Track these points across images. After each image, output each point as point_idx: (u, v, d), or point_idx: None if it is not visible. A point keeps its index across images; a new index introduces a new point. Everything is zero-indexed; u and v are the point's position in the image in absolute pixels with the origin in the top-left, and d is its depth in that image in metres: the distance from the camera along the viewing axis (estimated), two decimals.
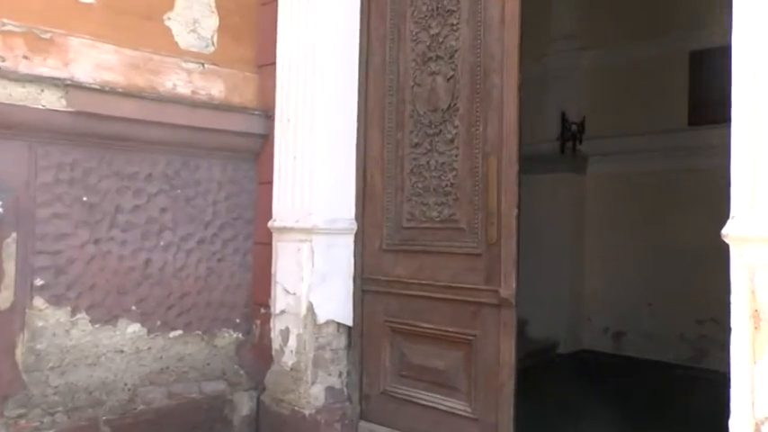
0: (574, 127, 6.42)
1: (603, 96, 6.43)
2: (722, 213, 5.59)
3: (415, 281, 3.57)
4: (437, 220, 3.50)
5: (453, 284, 3.39)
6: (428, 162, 3.55)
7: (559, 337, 6.36)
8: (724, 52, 6.01)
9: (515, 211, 3.15)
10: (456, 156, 3.42)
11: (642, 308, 6.11)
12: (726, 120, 5.73)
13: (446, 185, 3.46)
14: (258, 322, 4.16)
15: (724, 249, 5.54)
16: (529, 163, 6.53)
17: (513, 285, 3.13)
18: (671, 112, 5.99)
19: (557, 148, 6.46)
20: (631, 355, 6.19)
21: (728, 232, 2.36)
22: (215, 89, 4.04)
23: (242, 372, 4.14)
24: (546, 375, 5.81)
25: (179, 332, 3.93)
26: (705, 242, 5.93)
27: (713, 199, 5.86)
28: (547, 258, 6.29)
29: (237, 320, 4.19)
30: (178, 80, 3.88)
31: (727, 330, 2.63)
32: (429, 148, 3.55)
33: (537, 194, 6.36)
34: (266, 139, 4.13)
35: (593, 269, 6.47)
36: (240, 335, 4.20)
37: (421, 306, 3.54)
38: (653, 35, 6.15)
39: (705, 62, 5.90)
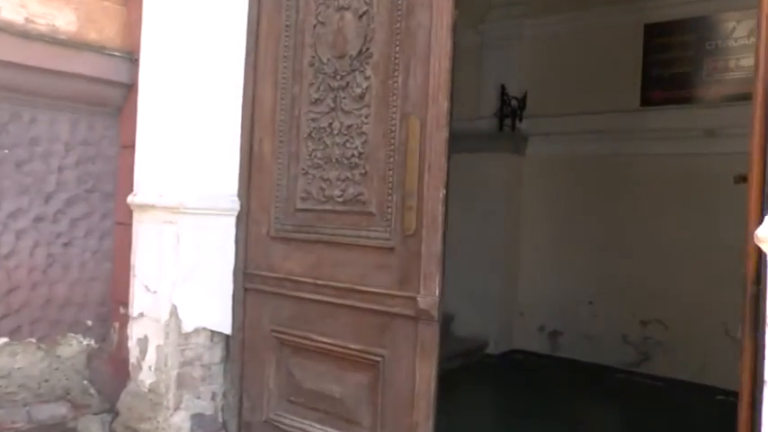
0: (514, 102, 5.57)
1: (547, 70, 5.60)
2: (675, 204, 4.85)
3: (311, 280, 2.64)
4: (339, 200, 2.57)
5: (358, 287, 2.47)
6: (330, 124, 2.61)
7: (489, 335, 5.54)
8: (683, 26, 5.29)
9: (442, 193, 2.25)
10: (366, 116, 2.50)
11: (582, 305, 5.34)
12: (682, 101, 4.98)
13: (352, 155, 2.53)
14: (117, 326, 3.16)
15: (675, 244, 4.80)
16: (462, 140, 5.61)
17: (437, 292, 2.23)
18: (622, 90, 5.20)
19: (494, 125, 5.60)
20: (569, 356, 5.43)
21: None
22: (61, 19, 2.98)
23: (93, 390, 3.14)
24: (473, 380, 4.99)
25: (3, 340, 2.91)
26: (654, 236, 5.21)
27: (666, 188, 5.15)
28: (477, 247, 5.47)
29: (89, 323, 3.17)
30: (3, 1, 2.82)
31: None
32: (332, 105, 2.61)
33: (469, 175, 5.55)
34: (132, 89, 3.12)
35: (529, 261, 5.66)
36: (92, 342, 3.18)
37: (316, 313, 2.62)
38: (604, 4, 5.33)
39: (661, 36, 5.12)
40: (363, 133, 2.49)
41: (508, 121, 5.56)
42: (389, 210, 2.38)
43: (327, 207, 2.61)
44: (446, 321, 5.66)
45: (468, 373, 5.09)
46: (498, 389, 4.93)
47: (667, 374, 4.91)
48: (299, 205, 2.72)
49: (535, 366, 5.45)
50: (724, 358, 4.67)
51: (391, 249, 2.37)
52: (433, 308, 2.22)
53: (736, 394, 4.56)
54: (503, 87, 5.53)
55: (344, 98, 2.56)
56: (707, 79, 4.83)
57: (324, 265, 2.60)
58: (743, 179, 2.53)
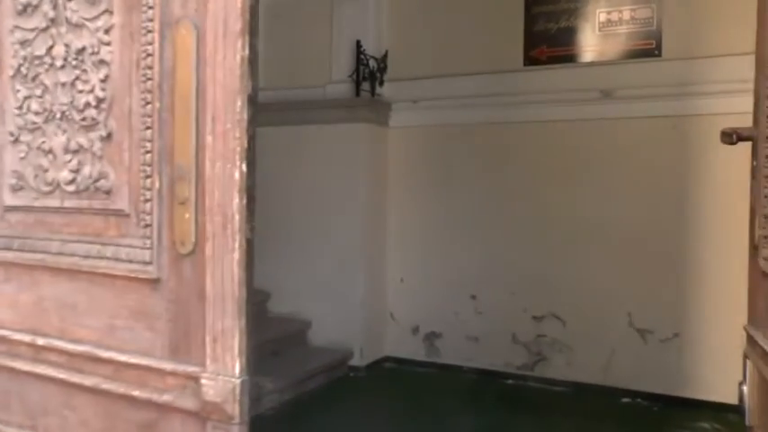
0: (373, 63, 4.49)
1: (413, 24, 4.57)
2: (569, 178, 3.97)
3: (29, 338, 1.42)
4: (70, 189, 1.36)
5: (102, 353, 1.28)
6: (50, 49, 1.39)
7: (354, 343, 4.47)
8: None
9: (240, 169, 1.10)
10: (107, 30, 1.30)
11: (463, 301, 4.40)
12: (572, 58, 4.05)
13: (87, 105, 1.32)
14: None
15: (570, 224, 3.95)
16: (311, 110, 4.39)
17: (236, 368, 1.09)
18: (502, 47, 4.25)
19: (349, 89, 4.47)
20: (450, 362, 4.46)
21: None
22: None
23: None
24: (335, 401, 3.91)
25: None
26: (545, 216, 4.33)
27: (558, 160, 4.28)
28: (334, 237, 4.40)
29: None
30: None
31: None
32: (52, 15, 1.39)
33: (321, 151, 4.47)
34: None
35: (399, 251, 4.63)
36: None
37: (41, 399, 1.40)
38: None
39: None
40: (104, 63, 1.29)
41: (366, 86, 4.46)
42: (150, 205, 1.21)
43: (52, 202, 1.39)
44: (302, 330, 4.57)
45: (330, 394, 4.01)
46: (366, 410, 3.87)
47: (566, 377, 4.05)
48: (10, 200, 1.48)
49: (410, 376, 4.45)
50: (629, 354, 3.89)
51: (155, 282, 1.20)
52: (229, 400, 1.07)
53: (643, 395, 3.75)
54: (358, 44, 4.42)
55: (70, 0, 1.35)
56: (600, 33, 3.97)
57: (48, 309, 1.38)
58: (740, 137, 1.59)
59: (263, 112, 4.59)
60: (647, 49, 3.79)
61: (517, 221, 4.20)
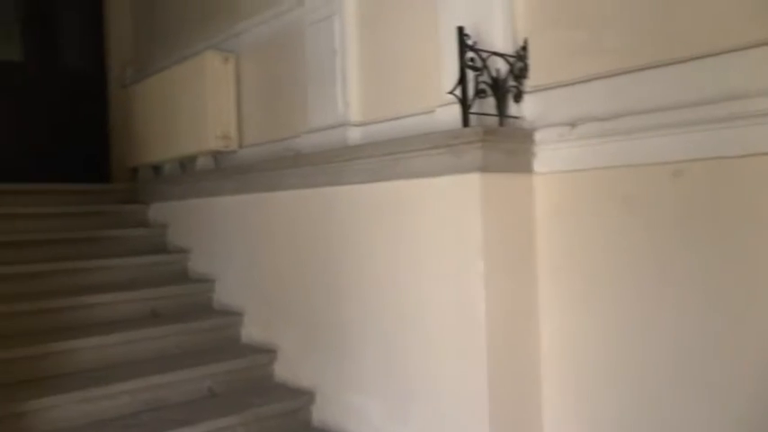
0: (500, 64, 2.25)
1: None
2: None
3: None
4: None
5: None
6: None
7: None
8: None
9: None
10: None
11: None
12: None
13: None
14: None
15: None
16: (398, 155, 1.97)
17: None
18: None
19: (456, 116, 2.26)
20: None
21: None
22: None
23: None
24: None
25: None
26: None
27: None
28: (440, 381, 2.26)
29: None
30: None
31: None
32: None
33: (408, 225, 2.40)
34: None
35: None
36: None
37: None
38: None
39: None
40: None
41: (489, 104, 2.23)
42: None
43: None
44: None
45: None
46: None
47: None
48: None
49: None
50: None
51: None
52: None
53: None
54: (461, 33, 2.19)
55: None
56: None
57: None
58: None
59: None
60: None
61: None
